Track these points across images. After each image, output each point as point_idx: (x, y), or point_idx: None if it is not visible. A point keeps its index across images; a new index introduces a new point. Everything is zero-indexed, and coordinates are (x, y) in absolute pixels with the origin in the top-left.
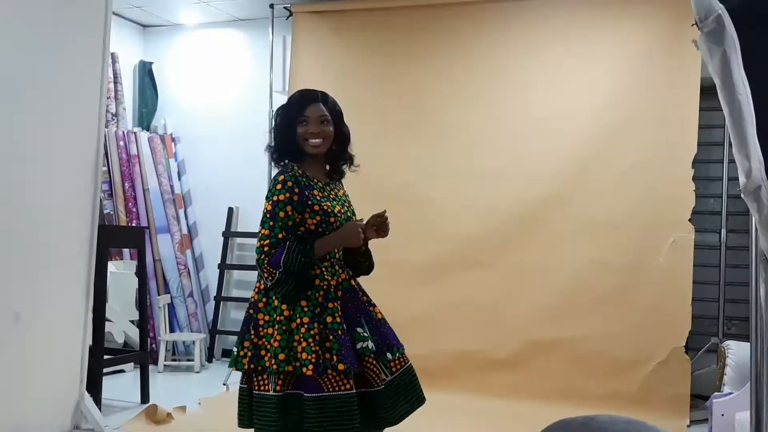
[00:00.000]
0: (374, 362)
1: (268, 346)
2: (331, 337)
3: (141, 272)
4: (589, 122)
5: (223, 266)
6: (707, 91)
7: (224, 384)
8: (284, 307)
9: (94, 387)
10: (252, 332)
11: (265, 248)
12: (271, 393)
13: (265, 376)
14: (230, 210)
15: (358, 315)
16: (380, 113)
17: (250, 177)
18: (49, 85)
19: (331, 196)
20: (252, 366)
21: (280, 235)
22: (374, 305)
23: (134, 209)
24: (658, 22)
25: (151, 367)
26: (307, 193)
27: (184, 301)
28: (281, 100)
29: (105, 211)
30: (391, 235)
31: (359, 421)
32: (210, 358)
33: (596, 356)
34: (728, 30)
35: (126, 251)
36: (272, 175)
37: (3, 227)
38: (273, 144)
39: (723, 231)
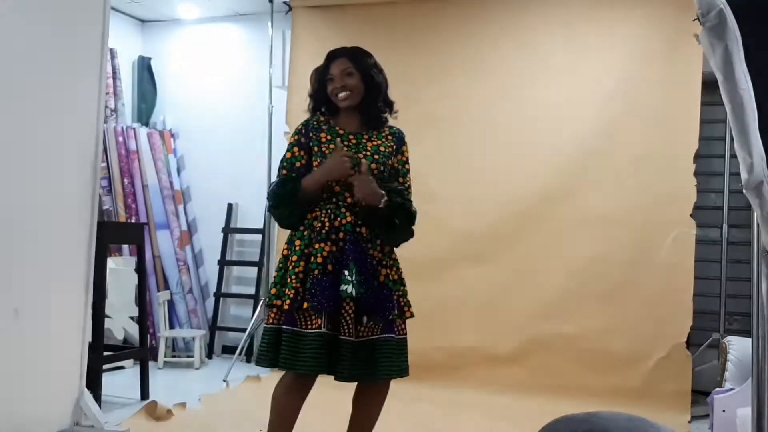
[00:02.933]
0: (350, 311)
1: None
2: (310, 276)
3: (140, 268)
4: (589, 117)
5: (223, 262)
6: (709, 85)
7: (224, 380)
8: (285, 246)
9: (93, 383)
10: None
11: (272, 185)
12: (268, 325)
13: (269, 311)
14: (230, 206)
15: (350, 258)
16: None
17: (249, 173)
18: (47, 80)
19: (348, 143)
20: (266, 300)
21: (283, 173)
22: (388, 266)
23: (133, 205)
24: (659, 17)
25: (150, 363)
26: (312, 135)
27: (184, 298)
28: (281, 95)
29: (104, 207)
30: None
31: (323, 361)
32: (210, 354)
33: (597, 352)
34: (730, 25)
35: (125, 247)
36: (273, 172)
37: (1, 224)
38: (311, 106)
39: (724, 226)
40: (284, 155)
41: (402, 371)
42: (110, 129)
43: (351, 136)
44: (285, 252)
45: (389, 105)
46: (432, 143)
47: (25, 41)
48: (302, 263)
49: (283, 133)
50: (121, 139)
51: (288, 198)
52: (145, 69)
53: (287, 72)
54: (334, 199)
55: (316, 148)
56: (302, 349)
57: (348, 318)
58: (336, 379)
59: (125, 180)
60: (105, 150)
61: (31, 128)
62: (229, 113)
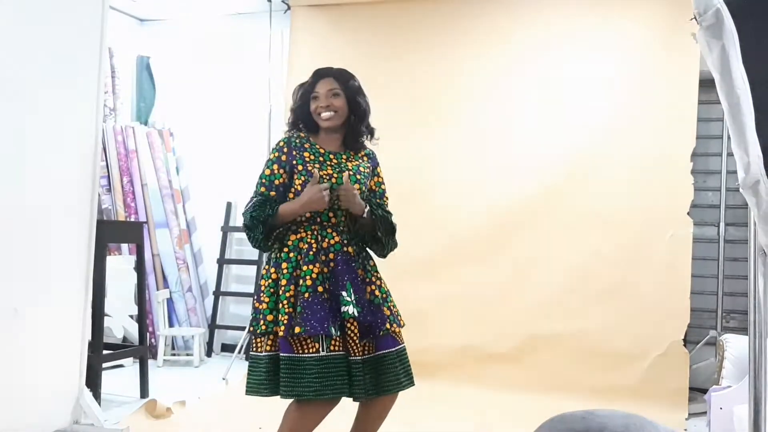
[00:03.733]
0: (356, 330)
1: (263, 310)
2: (301, 300)
3: (140, 267)
4: (587, 116)
5: (222, 261)
6: (706, 84)
7: (223, 378)
8: (273, 270)
9: (93, 382)
10: (255, 298)
11: (249, 202)
12: (262, 354)
13: (261, 339)
14: (229, 205)
15: (345, 279)
16: (379, 107)
17: (248, 171)
18: (46, 80)
19: (330, 162)
20: (251, 329)
21: (262, 189)
22: (371, 283)
23: (132, 204)
24: (656, 15)
25: (150, 361)
26: (295, 153)
27: (183, 296)
28: (280, 94)
29: (103, 206)
30: None
31: (326, 384)
32: (209, 352)
33: (595, 350)
34: (727, 24)
35: (125, 246)
36: None
37: (1, 223)
38: (290, 120)
39: (721, 224)
40: (263, 171)
41: (409, 381)
42: (109, 128)
43: (332, 156)
44: (274, 276)
45: (371, 131)
46: (431, 141)
47: (23, 40)
48: (292, 287)
49: (282, 132)
50: (120, 138)
51: (263, 221)
52: (143, 68)
53: (286, 71)
54: (318, 219)
55: (300, 167)
56: (302, 375)
57: (355, 338)
58: (355, 399)
59: (124, 179)
60: (104, 149)
61: (31, 127)
62: (228, 112)
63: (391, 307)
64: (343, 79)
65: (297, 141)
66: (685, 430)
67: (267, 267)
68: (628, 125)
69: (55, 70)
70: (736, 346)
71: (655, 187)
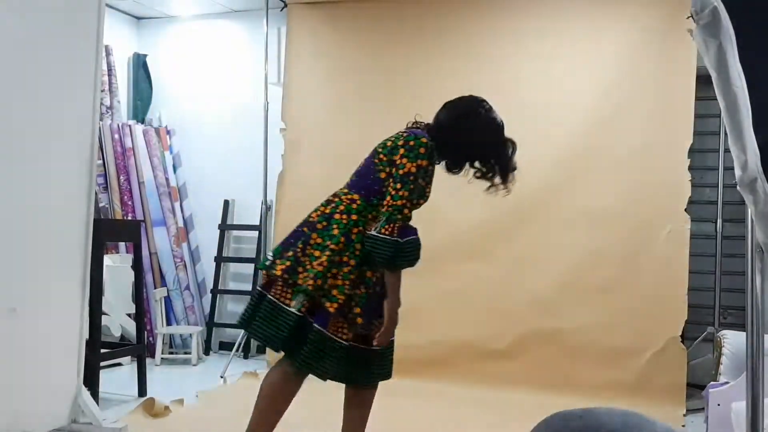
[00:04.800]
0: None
1: (308, 266)
2: (363, 289)
3: (137, 265)
4: (584, 112)
5: (220, 259)
6: (703, 80)
7: (222, 377)
8: (342, 239)
9: (91, 381)
10: (299, 247)
11: (410, 213)
12: (293, 309)
13: (291, 291)
14: (226, 203)
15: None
16: (375, 104)
17: (245, 169)
18: (42, 78)
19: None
20: (285, 276)
21: (421, 202)
22: None
23: (130, 202)
24: (653, 12)
25: (148, 360)
26: (430, 168)
27: (181, 294)
28: (276, 92)
29: (100, 205)
30: None
31: (341, 371)
32: (207, 350)
33: (593, 346)
34: (724, 22)
35: (122, 245)
36: (270, 168)
37: None
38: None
39: (719, 221)
40: (416, 178)
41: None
42: (106, 126)
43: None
44: (341, 246)
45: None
46: None
47: (20, 39)
48: (357, 271)
49: (279, 130)
50: (117, 136)
51: (405, 263)
52: (140, 66)
53: (283, 69)
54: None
55: (421, 181)
56: (326, 355)
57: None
58: (357, 382)
59: (121, 177)
60: (101, 147)
61: (27, 126)
62: (225, 110)
63: None
64: None
65: (435, 160)
66: (683, 426)
67: (326, 225)
68: (625, 122)
69: (52, 68)
70: (733, 342)
71: (652, 183)
